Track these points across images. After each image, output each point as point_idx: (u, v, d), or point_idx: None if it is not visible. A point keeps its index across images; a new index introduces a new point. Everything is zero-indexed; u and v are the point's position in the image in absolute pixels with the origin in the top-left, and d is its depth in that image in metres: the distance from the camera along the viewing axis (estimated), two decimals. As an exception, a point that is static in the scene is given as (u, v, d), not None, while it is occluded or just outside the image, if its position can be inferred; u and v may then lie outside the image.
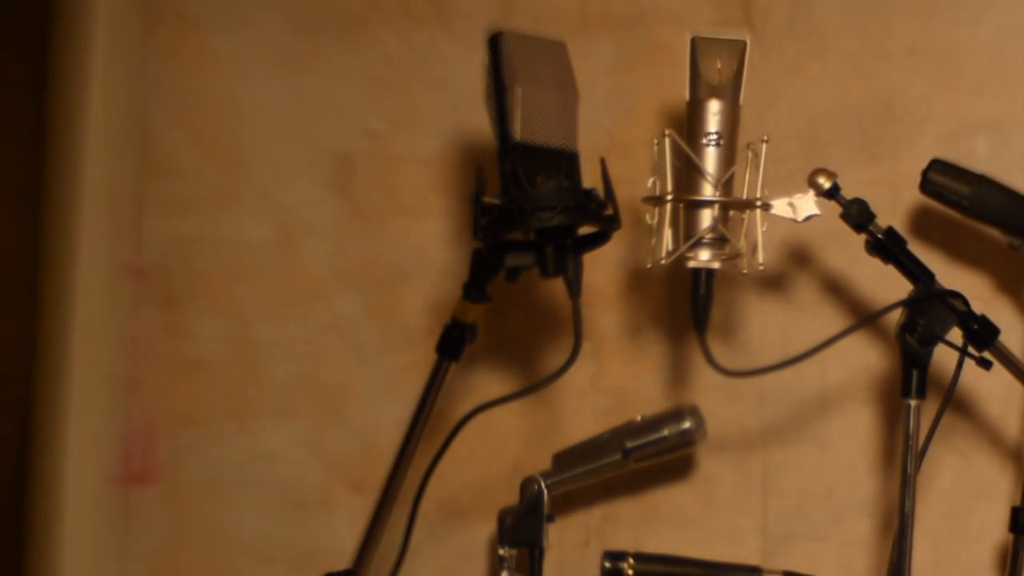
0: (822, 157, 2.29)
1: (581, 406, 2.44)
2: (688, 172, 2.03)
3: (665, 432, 2.23)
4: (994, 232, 2.15)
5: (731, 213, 2.05)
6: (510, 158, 1.94)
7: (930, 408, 1.99)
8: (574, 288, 1.98)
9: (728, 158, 2.03)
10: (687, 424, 2.22)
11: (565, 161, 1.96)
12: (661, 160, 2.04)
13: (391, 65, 2.52)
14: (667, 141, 2.04)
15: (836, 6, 2.39)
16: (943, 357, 2.00)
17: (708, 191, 2.02)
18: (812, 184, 2.05)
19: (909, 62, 2.38)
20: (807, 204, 2.05)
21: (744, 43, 2.05)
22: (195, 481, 2.55)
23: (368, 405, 2.51)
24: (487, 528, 2.42)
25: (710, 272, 2.04)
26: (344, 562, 2.27)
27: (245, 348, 2.55)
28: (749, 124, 2.09)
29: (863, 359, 2.36)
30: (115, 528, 2.54)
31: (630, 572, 2.20)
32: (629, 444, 2.22)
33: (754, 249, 2.05)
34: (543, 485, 2.18)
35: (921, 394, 1.97)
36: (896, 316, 1.99)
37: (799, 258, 2.39)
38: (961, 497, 2.33)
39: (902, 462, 1.97)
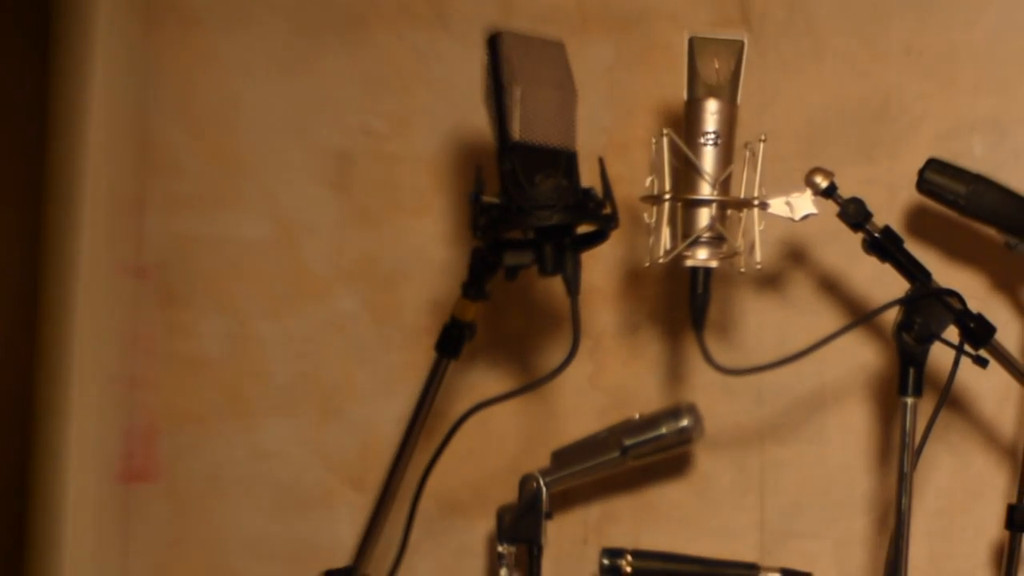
0: (819, 156, 2.29)
1: (579, 404, 2.44)
2: (686, 171, 2.04)
3: (663, 430, 2.23)
4: (990, 231, 2.16)
5: (729, 212, 2.05)
6: (509, 157, 1.94)
7: (927, 406, 1.99)
8: (573, 287, 1.98)
9: (726, 157, 2.04)
10: (685, 422, 2.23)
11: (564, 160, 1.96)
12: (659, 159, 2.04)
13: (391, 65, 2.52)
14: (665, 140, 2.04)
15: (833, 6, 2.39)
16: (940, 355, 2.01)
17: (706, 190, 2.03)
18: (809, 183, 2.05)
19: (906, 62, 2.38)
20: (804, 203, 2.06)
21: (742, 43, 2.05)
22: (195, 478, 2.55)
23: (368, 403, 2.51)
24: (486, 525, 2.42)
25: (708, 271, 2.04)
26: (344, 559, 2.27)
27: (245, 346, 2.54)
28: (747, 123, 2.09)
29: (860, 357, 2.36)
30: (116, 525, 2.54)
31: (628, 569, 2.20)
32: (627, 442, 2.23)
33: (752, 248, 2.05)
34: (542, 483, 2.18)
35: (918, 392, 1.98)
36: (893, 314, 2.00)
37: (796, 257, 2.39)
38: (957, 494, 2.34)
39: (899, 460, 1.98)
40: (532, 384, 2.11)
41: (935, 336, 1.98)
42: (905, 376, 1.98)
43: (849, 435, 2.38)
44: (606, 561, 2.20)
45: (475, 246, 2.07)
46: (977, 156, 2.32)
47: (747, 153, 2.06)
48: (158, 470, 2.56)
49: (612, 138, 2.43)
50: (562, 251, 1.98)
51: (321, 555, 2.42)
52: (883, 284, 2.09)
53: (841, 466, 2.38)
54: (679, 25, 2.33)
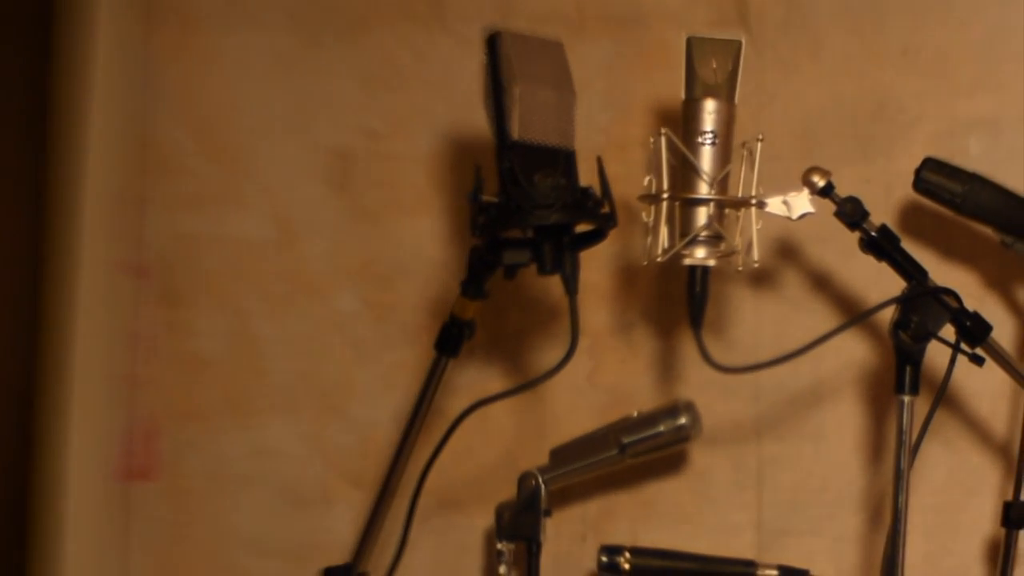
0: (816, 156, 2.30)
1: (578, 402, 2.45)
2: (684, 171, 2.04)
3: (661, 428, 2.23)
4: (986, 230, 2.17)
5: (726, 211, 2.06)
6: (508, 157, 1.95)
7: (923, 404, 2.00)
8: (571, 285, 1.99)
9: (723, 157, 2.04)
10: (683, 420, 2.23)
11: (562, 160, 1.97)
12: (657, 158, 2.05)
13: (390, 65, 2.52)
14: (663, 140, 2.04)
15: (830, 6, 2.40)
16: (936, 353, 2.01)
17: (704, 189, 2.03)
18: (806, 182, 2.05)
19: (902, 62, 2.38)
20: (802, 202, 2.06)
21: (739, 43, 2.05)
22: (196, 476, 2.55)
23: (367, 401, 2.51)
24: (485, 522, 2.42)
25: (706, 269, 2.05)
26: (343, 556, 2.27)
27: (245, 345, 2.54)
28: (744, 123, 2.09)
29: (857, 355, 2.36)
30: (117, 523, 2.53)
31: (626, 566, 2.21)
32: (625, 440, 2.23)
33: (749, 247, 2.06)
34: (540, 480, 2.18)
35: (914, 390, 1.98)
36: (890, 313, 2.00)
37: (794, 256, 2.40)
38: (954, 492, 2.34)
39: (895, 457, 1.98)
40: (531, 382, 2.10)
41: (932, 334, 1.98)
42: (902, 374, 1.98)
43: (846, 433, 2.39)
44: (604, 558, 2.21)
45: (474, 245, 2.07)
46: (973, 155, 2.32)
47: (745, 152, 2.07)
48: (159, 468, 2.56)
49: (610, 137, 2.43)
50: (561, 250, 1.99)
51: (321, 552, 2.42)
52: (880, 283, 2.09)
53: (838, 464, 2.39)
54: (677, 25, 2.33)
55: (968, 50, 2.36)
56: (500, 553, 2.19)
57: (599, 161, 2.01)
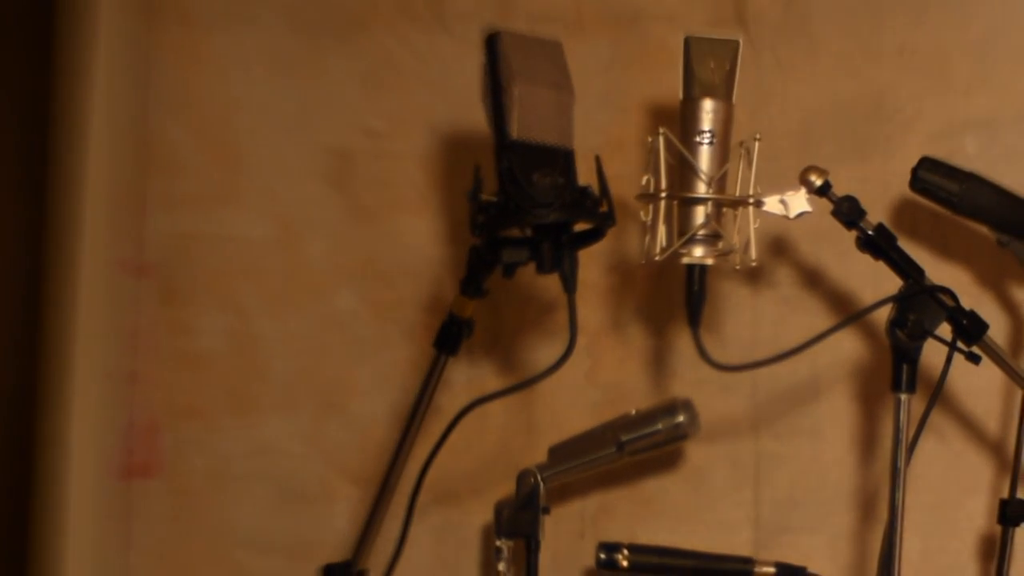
0: (814, 155, 2.30)
1: (576, 400, 2.45)
2: (682, 170, 2.05)
3: (659, 426, 2.23)
4: (982, 228, 2.17)
5: (724, 210, 2.06)
6: (507, 156, 1.95)
7: (919, 401, 2.01)
8: (570, 284, 1.99)
9: (721, 156, 2.05)
10: (680, 418, 2.23)
11: (561, 159, 1.97)
12: (655, 158, 2.05)
13: (390, 65, 2.52)
14: (661, 139, 2.05)
15: (827, 7, 2.40)
16: (932, 352, 2.02)
17: (702, 188, 2.04)
18: (804, 181, 2.05)
19: (899, 62, 2.39)
20: (799, 201, 2.06)
21: (737, 43, 2.06)
22: (196, 474, 2.55)
23: (367, 399, 2.51)
24: (484, 519, 2.43)
25: (704, 268, 2.05)
26: (343, 553, 2.29)
27: (246, 343, 2.54)
28: (742, 122, 2.10)
29: (854, 353, 2.37)
30: (118, 520, 2.53)
31: (625, 563, 2.20)
32: (623, 437, 2.23)
33: (747, 245, 2.07)
34: (539, 478, 2.18)
35: (911, 388, 1.99)
36: (887, 311, 2.01)
37: (791, 254, 2.40)
38: (950, 489, 2.35)
39: (892, 455, 1.99)
40: (529, 380, 2.10)
41: (928, 333, 1.99)
42: (899, 372, 1.99)
43: (843, 430, 2.39)
44: (603, 555, 2.20)
45: (473, 244, 2.08)
46: (970, 155, 2.33)
47: (742, 152, 2.07)
48: (159, 466, 2.56)
49: (609, 137, 2.44)
50: (559, 249, 1.99)
51: (320, 549, 2.42)
52: (876, 281, 2.09)
53: (835, 461, 2.39)
54: (675, 25, 2.34)
55: (965, 50, 2.37)
56: (499, 550, 2.19)
57: (597, 160, 2.02)
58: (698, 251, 2.05)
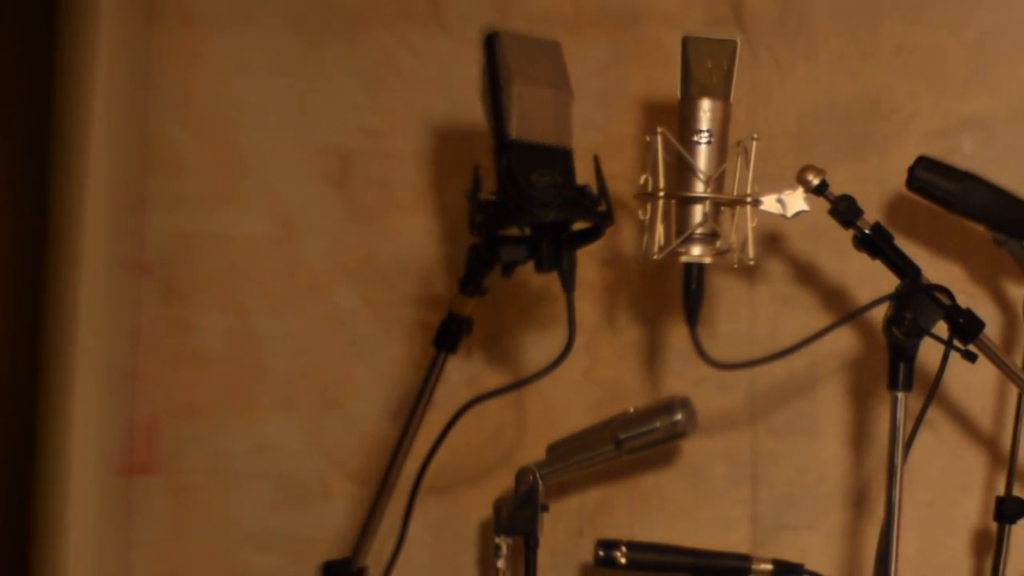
0: (811, 154, 2.31)
1: (574, 398, 2.45)
2: (680, 169, 2.05)
3: (657, 424, 2.23)
4: (978, 227, 2.18)
5: (722, 209, 2.07)
6: (506, 155, 1.96)
7: (916, 399, 2.01)
8: (568, 282, 2.00)
9: (719, 155, 2.05)
10: (678, 416, 2.23)
11: (559, 158, 1.98)
12: (653, 157, 2.05)
13: (389, 64, 2.52)
14: (659, 138, 2.05)
15: (824, 7, 2.41)
16: (928, 350, 2.03)
17: (699, 187, 2.04)
18: (801, 181, 2.06)
19: (896, 61, 2.39)
20: (796, 200, 2.07)
21: (735, 43, 2.07)
22: (197, 471, 2.55)
23: (366, 397, 2.51)
24: (483, 517, 2.43)
25: (701, 267, 2.06)
26: (343, 550, 2.29)
27: (246, 341, 2.54)
28: (739, 122, 2.11)
29: (851, 351, 2.37)
30: (118, 517, 2.53)
31: (623, 560, 2.20)
32: (622, 435, 2.23)
33: (744, 244, 2.07)
34: (538, 476, 2.19)
35: (908, 386, 2.00)
36: (883, 310, 2.02)
37: (789, 253, 2.40)
38: (946, 487, 2.35)
39: (889, 452, 1.99)
40: (528, 379, 2.10)
41: (925, 331, 1.99)
42: (895, 370, 2.00)
43: (840, 428, 2.39)
44: (601, 552, 2.20)
45: (472, 243, 2.09)
46: (966, 154, 2.34)
47: (740, 151, 2.08)
48: (159, 463, 2.56)
49: (607, 136, 2.44)
50: (558, 247, 2.00)
51: (320, 546, 2.43)
52: (873, 279, 2.10)
53: (832, 458, 2.40)
54: (673, 25, 2.34)
55: (961, 50, 2.37)
56: (498, 547, 2.19)
57: (596, 159, 2.02)
58: (696, 250, 2.05)
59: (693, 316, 2.07)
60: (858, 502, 2.39)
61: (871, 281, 2.15)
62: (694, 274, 2.06)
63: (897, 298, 2.01)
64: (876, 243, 2.05)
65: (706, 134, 2.04)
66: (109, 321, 2.50)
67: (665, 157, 2.05)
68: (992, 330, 2.07)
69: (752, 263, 2.08)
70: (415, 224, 2.52)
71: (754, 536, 2.42)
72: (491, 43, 1.99)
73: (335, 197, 2.54)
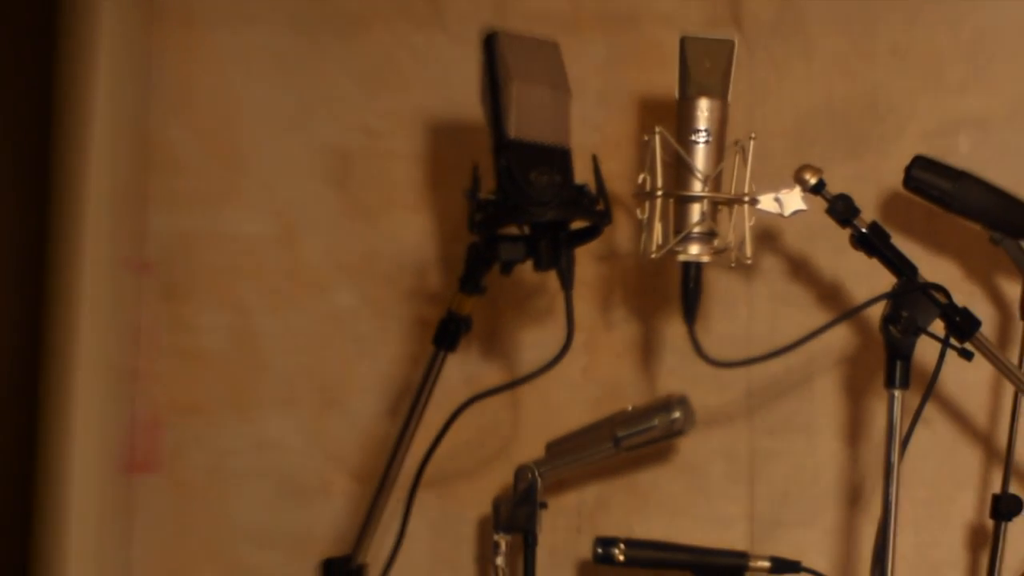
0: (808, 154, 2.31)
1: (573, 396, 2.45)
2: (678, 168, 2.06)
3: (655, 422, 2.23)
4: (975, 226, 2.18)
5: (719, 208, 2.08)
6: (505, 155, 1.96)
7: (912, 396, 2.02)
8: (567, 281, 2.01)
9: (717, 155, 2.06)
10: (676, 414, 2.23)
11: (558, 157, 1.98)
12: (651, 156, 2.06)
13: (389, 64, 2.53)
14: (657, 138, 2.06)
15: (822, 7, 2.41)
16: (925, 348, 2.03)
17: (697, 187, 2.05)
18: (798, 180, 2.07)
19: (893, 61, 2.40)
20: (793, 199, 2.08)
21: (732, 43, 2.07)
22: (198, 469, 2.55)
23: (366, 395, 2.51)
24: (482, 514, 2.43)
25: (699, 265, 2.06)
26: (343, 547, 2.29)
27: (246, 340, 2.54)
28: (737, 121, 2.11)
29: (848, 349, 2.38)
30: (119, 515, 2.53)
31: (621, 558, 2.20)
32: (620, 433, 2.23)
33: (742, 243, 2.08)
34: (536, 473, 2.19)
35: (904, 384, 2.00)
36: (880, 308, 2.02)
37: (786, 251, 2.41)
38: (942, 484, 2.36)
39: (885, 450, 2.00)
40: (527, 377, 2.11)
41: (921, 329, 2.00)
42: (892, 368, 2.00)
43: (837, 425, 2.40)
44: (600, 550, 2.19)
45: (471, 241, 2.09)
46: (963, 153, 2.34)
47: (737, 150, 2.08)
48: (160, 461, 2.56)
49: (605, 135, 2.44)
50: (557, 246, 2.01)
51: (320, 543, 2.43)
52: (870, 278, 2.11)
53: (828, 456, 2.40)
54: (671, 25, 2.35)
55: (958, 50, 2.38)
56: (496, 545, 2.20)
57: (594, 159, 2.03)
58: (694, 249, 2.06)
59: (691, 314, 2.07)
60: (855, 499, 2.39)
61: (868, 280, 2.15)
62: (692, 273, 2.07)
63: (894, 296, 2.01)
64: (873, 242, 2.06)
65: (704, 133, 2.05)
66: (110, 320, 2.50)
67: (663, 156, 2.06)
68: (988, 328, 2.08)
69: (750, 262, 2.08)
70: (415, 223, 2.52)
71: (751, 533, 2.42)
72: (490, 43, 2.00)
73: (335, 196, 2.55)
